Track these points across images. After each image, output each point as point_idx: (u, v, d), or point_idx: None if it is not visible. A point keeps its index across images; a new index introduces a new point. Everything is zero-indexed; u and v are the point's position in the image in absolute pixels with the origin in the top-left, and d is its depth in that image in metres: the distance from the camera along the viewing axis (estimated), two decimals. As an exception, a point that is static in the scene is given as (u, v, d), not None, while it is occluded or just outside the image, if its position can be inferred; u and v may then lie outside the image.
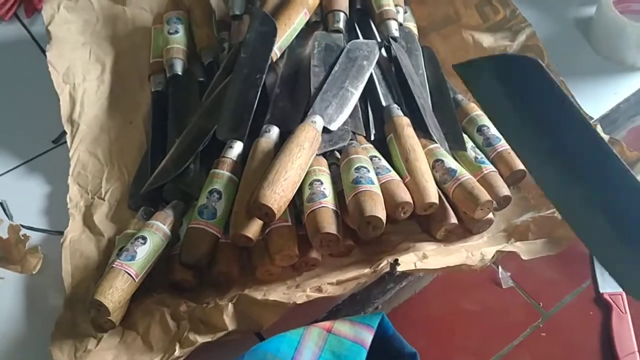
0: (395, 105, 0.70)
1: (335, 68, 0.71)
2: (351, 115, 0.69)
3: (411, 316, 0.68)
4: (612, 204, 0.42)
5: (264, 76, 0.70)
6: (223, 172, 0.64)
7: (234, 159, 0.66)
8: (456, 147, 0.69)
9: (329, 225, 0.58)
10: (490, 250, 0.59)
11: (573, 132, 0.42)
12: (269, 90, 0.72)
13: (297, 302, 0.56)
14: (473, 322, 0.68)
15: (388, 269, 0.57)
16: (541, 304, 0.68)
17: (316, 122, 0.65)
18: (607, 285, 0.69)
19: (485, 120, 0.71)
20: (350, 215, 0.59)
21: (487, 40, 0.81)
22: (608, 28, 0.82)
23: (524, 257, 0.57)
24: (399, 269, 0.56)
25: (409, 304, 0.69)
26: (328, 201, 0.60)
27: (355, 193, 0.59)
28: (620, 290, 0.68)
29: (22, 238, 0.61)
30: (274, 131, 0.67)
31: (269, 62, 0.71)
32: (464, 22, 0.83)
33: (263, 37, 0.72)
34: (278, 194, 0.57)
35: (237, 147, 0.67)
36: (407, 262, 0.58)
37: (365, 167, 0.62)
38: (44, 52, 0.82)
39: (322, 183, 0.61)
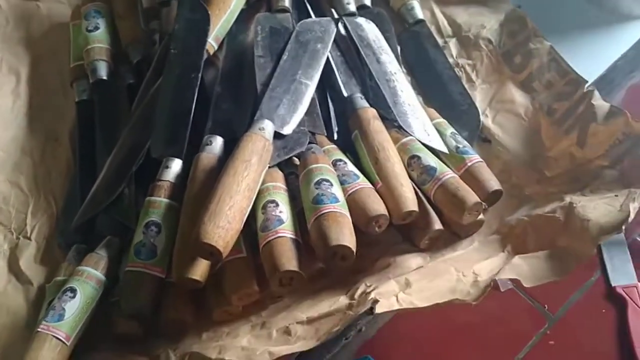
0: (359, 95, 0.60)
1: (284, 57, 0.61)
2: (308, 113, 0.59)
3: (401, 334, 0.60)
4: None
5: (200, 74, 0.59)
6: (160, 200, 0.54)
7: (172, 181, 0.55)
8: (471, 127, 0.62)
9: (289, 261, 0.48)
10: (484, 268, 0.50)
11: None
12: (209, 90, 0.61)
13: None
14: (471, 335, 0.60)
15: (365, 310, 0.48)
16: (546, 306, 0.60)
17: (265, 129, 0.54)
18: (620, 277, 0.60)
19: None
20: (313, 244, 0.50)
21: (461, 17, 0.70)
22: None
23: (526, 285, 0.48)
24: (378, 310, 0.47)
25: (397, 321, 0.60)
26: (285, 228, 0.50)
27: (317, 216, 0.49)
28: (635, 281, 0.59)
29: None
30: (217, 142, 0.56)
31: (205, 56, 0.60)
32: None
33: (194, 27, 0.61)
34: (223, 227, 0.47)
35: (175, 166, 0.56)
36: (388, 295, 0.49)
37: (328, 180, 0.52)
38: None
39: (277, 205, 0.51)
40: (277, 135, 0.56)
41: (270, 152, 0.54)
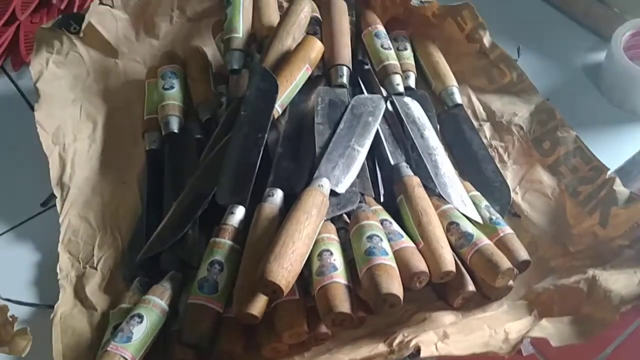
0: (405, 164, 0.66)
1: (341, 126, 0.68)
2: (358, 176, 0.65)
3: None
4: None
5: (266, 135, 0.66)
6: (224, 241, 0.60)
7: (236, 226, 0.62)
8: (502, 202, 0.68)
9: (342, 303, 0.54)
10: (514, 328, 0.55)
11: None
12: (271, 149, 0.69)
13: None
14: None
15: (408, 354, 0.53)
16: (565, 372, 0.64)
17: (323, 186, 0.61)
18: None
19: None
20: (365, 291, 0.55)
21: (495, 104, 0.78)
22: (619, 76, 0.79)
23: (553, 344, 0.53)
24: (423, 354, 0.52)
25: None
26: (339, 275, 0.56)
27: (369, 267, 0.55)
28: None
29: (10, 319, 0.56)
30: (278, 194, 0.63)
31: (271, 120, 0.68)
32: (471, 83, 0.80)
33: (264, 94, 0.69)
34: (286, 269, 0.53)
35: (239, 213, 0.63)
36: (427, 343, 0.54)
37: (378, 236, 0.58)
38: (32, 107, 0.78)
39: (331, 253, 0.57)
40: (332, 193, 0.62)
41: (327, 207, 0.60)
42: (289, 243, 0.55)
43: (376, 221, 0.60)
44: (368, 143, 0.68)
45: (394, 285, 0.54)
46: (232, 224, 0.62)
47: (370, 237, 0.57)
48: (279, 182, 0.65)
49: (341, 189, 0.63)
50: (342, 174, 0.64)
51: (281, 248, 0.54)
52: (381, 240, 0.58)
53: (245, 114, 0.68)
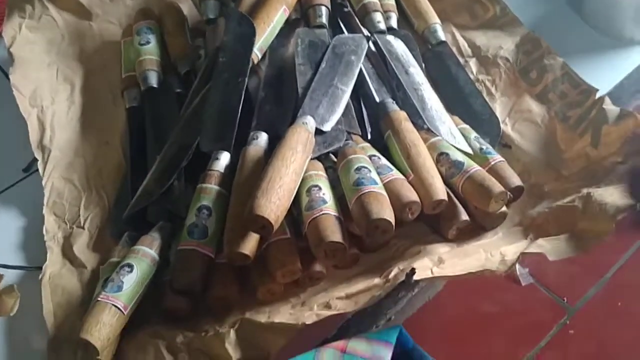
0: (390, 100, 0.65)
1: (322, 65, 0.67)
2: (344, 114, 0.64)
3: (427, 325, 0.63)
4: None
5: (246, 79, 0.65)
6: (211, 187, 0.59)
7: (222, 171, 0.60)
8: (492, 134, 0.66)
9: (333, 233, 0.53)
10: (510, 250, 0.54)
11: None
12: (253, 94, 0.67)
13: (306, 323, 0.51)
14: (494, 326, 0.63)
15: (402, 279, 0.52)
16: (565, 299, 0.64)
17: (308, 123, 0.60)
18: None
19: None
20: (356, 220, 0.54)
21: (480, 39, 0.76)
22: (601, 2, 0.77)
23: (550, 258, 0.52)
24: (416, 277, 0.51)
25: (423, 312, 0.64)
26: (329, 207, 0.55)
27: (359, 195, 0.54)
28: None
29: (-5, 279, 0.55)
30: (262, 137, 0.62)
31: (250, 64, 0.66)
32: (454, 21, 0.79)
33: (241, 39, 0.67)
34: (274, 203, 0.52)
35: (224, 158, 0.61)
36: (423, 268, 0.53)
37: (366, 167, 0.57)
38: (7, 75, 0.76)
39: (320, 188, 0.56)
40: (318, 132, 0.61)
41: (313, 144, 0.59)
42: (276, 178, 0.53)
43: (364, 155, 0.59)
44: (352, 82, 0.67)
45: (385, 211, 0.53)
46: (218, 169, 0.61)
47: (358, 169, 0.56)
48: (263, 126, 0.63)
49: (327, 127, 0.62)
50: (327, 112, 0.63)
51: (268, 183, 0.53)
52: (370, 171, 0.56)
53: (224, 60, 0.67)
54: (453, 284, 0.64)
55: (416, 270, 0.51)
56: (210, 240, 0.57)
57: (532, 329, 0.62)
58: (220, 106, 0.64)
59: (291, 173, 0.54)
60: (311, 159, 0.59)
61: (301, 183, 0.57)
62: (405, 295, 0.63)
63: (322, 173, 0.59)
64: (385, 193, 0.55)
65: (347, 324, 0.60)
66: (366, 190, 0.54)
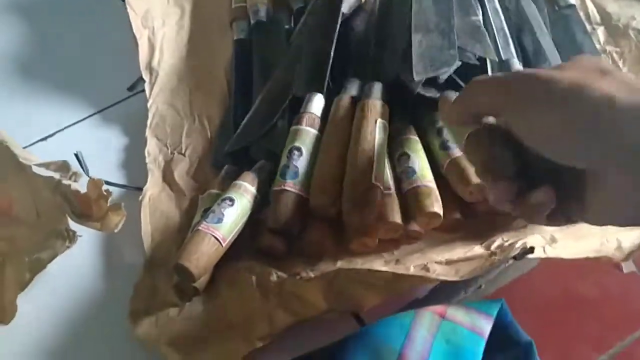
0: (516, 60, 0.62)
1: None
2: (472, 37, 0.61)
3: (518, 299, 0.61)
4: None
5: (338, 23, 0.63)
6: (303, 128, 0.58)
7: (315, 112, 0.60)
8: None
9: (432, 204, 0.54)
10: (627, 237, 0.51)
11: None
12: (359, 35, 0.65)
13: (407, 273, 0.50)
14: (590, 309, 0.61)
15: (515, 254, 0.50)
16: (667, 292, 0.60)
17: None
18: None
19: None
20: (453, 185, 0.55)
21: (611, 6, 0.72)
22: None
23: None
24: (531, 256, 0.49)
25: (516, 286, 0.62)
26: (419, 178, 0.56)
27: (450, 159, 0.55)
28: None
29: (105, 194, 0.56)
30: (354, 85, 0.61)
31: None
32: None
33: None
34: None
35: (317, 100, 0.60)
36: (535, 245, 0.50)
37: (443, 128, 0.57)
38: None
39: (408, 157, 0.56)
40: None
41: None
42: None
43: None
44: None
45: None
46: (311, 111, 0.60)
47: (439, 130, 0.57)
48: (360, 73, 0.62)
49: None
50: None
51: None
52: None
53: (316, 3, 0.65)
54: (551, 261, 0.61)
55: (534, 248, 0.49)
56: (302, 181, 0.56)
57: (629, 317, 0.59)
58: (312, 50, 0.63)
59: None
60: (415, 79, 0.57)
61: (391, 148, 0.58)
62: (499, 265, 0.61)
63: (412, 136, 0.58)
64: None
65: (437, 286, 0.59)
66: (457, 154, 0.55)
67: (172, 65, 0.72)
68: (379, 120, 0.57)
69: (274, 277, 0.54)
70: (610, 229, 0.54)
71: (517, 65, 0.61)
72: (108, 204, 0.56)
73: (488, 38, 0.61)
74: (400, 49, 0.61)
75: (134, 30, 0.71)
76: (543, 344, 0.55)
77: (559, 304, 0.61)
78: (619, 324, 0.59)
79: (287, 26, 0.71)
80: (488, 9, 0.65)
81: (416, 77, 0.57)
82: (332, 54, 0.62)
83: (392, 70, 0.60)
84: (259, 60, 0.69)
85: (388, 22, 0.65)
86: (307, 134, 0.58)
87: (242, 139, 0.63)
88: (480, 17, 0.63)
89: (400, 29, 0.62)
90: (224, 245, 0.54)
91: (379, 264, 0.55)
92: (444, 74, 0.57)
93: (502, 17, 0.66)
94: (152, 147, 0.66)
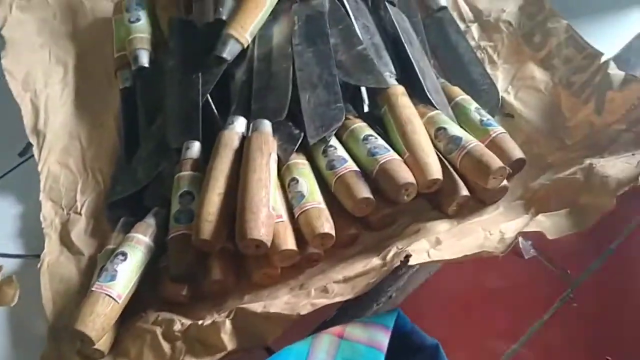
0: (388, 73, 0.63)
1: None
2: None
3: (428, 301, 0.62)
4: None
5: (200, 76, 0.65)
6: (187, 173, 0.59)
7: (195, 157, 0.61)
8: (491, 104, 0.66)
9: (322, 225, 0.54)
10: (509, 227, 0.53)
11: None
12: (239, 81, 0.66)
13: (301, 313, 0.50)
14: (496, 300, 0.62)
15: (398, 264, 0.51)
16: (569, 271, 0.62)
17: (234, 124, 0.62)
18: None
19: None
20: (383, 187, 0.56)
21: (482, 3, 0.74)
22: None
23: (549, 237, 0.51)
24: (411, 262, 0.50)
25: (425, 288, 0.63)
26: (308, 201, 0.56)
27: (380, 164, 0.56)
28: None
29: (-5, 270, 0.55)
30: (239, 121, 0.62)
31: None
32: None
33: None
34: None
35: (195, 147, 0.62)
36: (419, 251, 0.51)
37: (372, 135, 0.59)
38: (-2, 59, 0.75)
39: (297, 182, 0.58)
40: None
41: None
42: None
43: (364, 123, 0.60)
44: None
45: (410, 175, 0.56)
46: (191, 156, 0.61)
47: (366, 138, 0.58)
48: (242, 110, 0.63)
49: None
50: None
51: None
52: (376, 139, 0.58)
53: (173, 64, 0.68)
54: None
55: (412, 256, 0.50)
56: (197, 223, 0.56)
57: (536, 302, 0.61)
58: (179, 103, 0.65)
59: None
60: (311, 145, 0.59)
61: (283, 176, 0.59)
62: (406, 272, 0.62)
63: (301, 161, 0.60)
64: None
65: (346, 303, 0.59)
66: (387, 158, 0.56)
67: (62, 123, 0.71)
68: (272, 154, 0.58)
69: (177, 326, 0.54)
70: (494, 222, 0.55)
71: (388, 78, 0.62)
72: (0, 278, 0.55)
73: (376, 65, 0.63)
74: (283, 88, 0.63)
75: (15, 95, 0.70)
76: (455, 343, 0.56)
77: (469, 300, 0.62)
78: (526, 312, 0.61)
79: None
80: (356, 27, 0.66)
81: (311, 142, 0.59)
82: (200, 102, 0.63)
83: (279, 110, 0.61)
84: (143, 106, 0.69)
85: (269, 66, 0.66)
86: (192, 177, 0.59)
87: (128, 188, 0.63)
88: (365, 44, 0.65)
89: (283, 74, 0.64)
90: (120, 302, 0.54)
91: (284, 292, 0.56)
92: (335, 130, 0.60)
93: (373, 33, 0.68)
94: (47, 211, 0.65)
